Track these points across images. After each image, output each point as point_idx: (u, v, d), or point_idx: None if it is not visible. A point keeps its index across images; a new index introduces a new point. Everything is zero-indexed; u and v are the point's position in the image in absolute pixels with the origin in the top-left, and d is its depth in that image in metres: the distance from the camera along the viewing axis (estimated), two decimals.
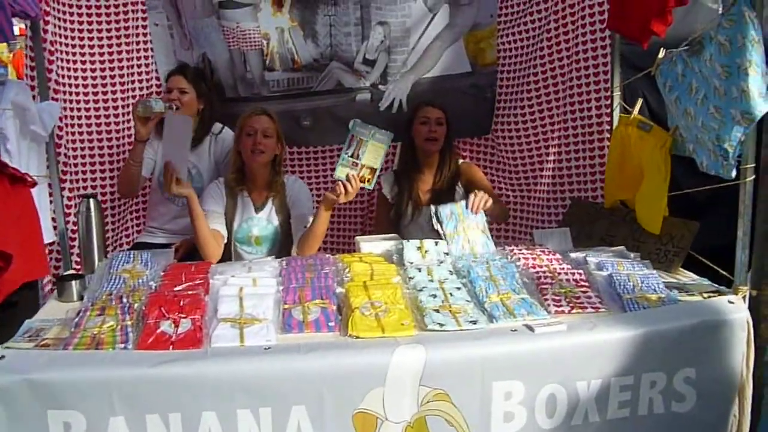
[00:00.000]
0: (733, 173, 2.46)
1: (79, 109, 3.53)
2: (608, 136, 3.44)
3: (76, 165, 3.54)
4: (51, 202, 3.11)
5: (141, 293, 2.44)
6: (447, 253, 2.78)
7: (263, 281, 2.52)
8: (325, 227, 3.08)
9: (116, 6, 3.60)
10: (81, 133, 3.55)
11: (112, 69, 3.63)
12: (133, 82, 3.75)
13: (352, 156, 2.93)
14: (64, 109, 3.33)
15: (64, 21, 3.40)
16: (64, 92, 3.42)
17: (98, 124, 3.61)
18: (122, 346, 2.12)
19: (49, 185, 3.09)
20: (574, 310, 2.36)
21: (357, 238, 3.14)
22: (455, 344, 2.13)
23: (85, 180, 3.60)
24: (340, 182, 2.93)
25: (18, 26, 3.49)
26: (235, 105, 3.88)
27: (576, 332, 2.20)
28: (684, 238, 2.85)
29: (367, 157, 2.93)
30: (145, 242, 3.59)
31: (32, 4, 2.74)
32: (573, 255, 2.85)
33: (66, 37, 3.42)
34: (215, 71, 3.87)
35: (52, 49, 3.25)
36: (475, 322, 2.23)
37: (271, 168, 3.22)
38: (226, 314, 2.26)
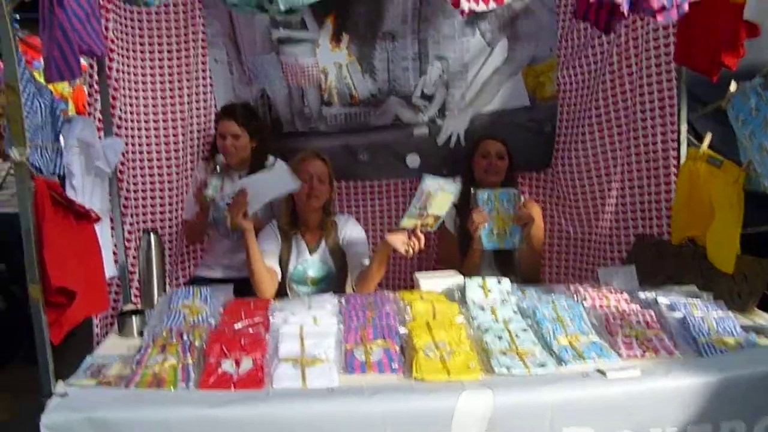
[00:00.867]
0: None
1: (141, 145, 3.57)
2: (674, 171, 3.34)
3: (136, 199, 3.57)
4: (113, 236, 3.15)
5: (201, 330, 2.43)
6: (510, 292, 2.71)
7: (324, 319, 2.48)
8: (382, 273, 3.02)
9: (178, 43, 3.65)
10: (142, 168, 3.59)
11: (173, 105, 3.67)
12: (192, 117, 3.79)
13: (420, 207, 2.86)
14: (126, 144, 3.38)
15: (128, 58, 3.46)
16: (127, 128, 3.47)
17: (159, 159, 3.65)
18: (184, 385, 2.10)
19: (111, 220, 3.12)
20: (646, 354, 2.27)
21: (416, 274, 3.08)
22: (524, 389, 2.06)
23: (145, 214, 3.63)
24: (409, 235, 2.86)
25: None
26: (293, 140, 3.89)
27: (650, 377, 2.12)
28: (759, 278, 2.74)
29: (434, 207, 2.88)
30: (202, 276, 3.60)
31: (98, 42, 2.79)
32: (642, 295, 2.76)
33: (129, 74, 3.48)
34: (273, 106, 3.89)
35: (116, 86, 3.31)
36: (543, 366, 2.16)
37: (323, 209, 3.21)
38: (288, 354, 2.23)
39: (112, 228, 3.17)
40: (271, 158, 3.55)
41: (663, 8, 2.28)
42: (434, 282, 2.92)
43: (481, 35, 3.78)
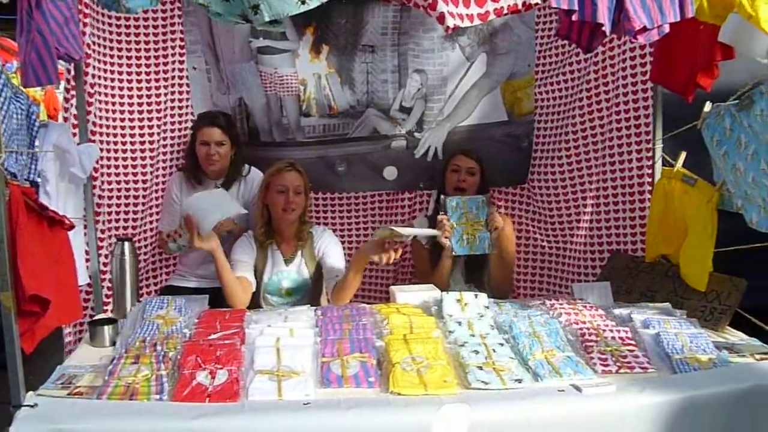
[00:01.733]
0: None
1: (115, 151, 3.53)
2: (649, 188, 3.38)
3: (110, 206, 3.52)
4: (87, 244, 3.11)
5: (175, 341, 2.40)
6: (487, 307, 2.71)
7: (300, 332, 2.46)
8: (359, 281, 3.05)
9: (156, 50, 3.63)
10: (117, 174, 3.55)
11: (149, 111, 3.64)
12: (168, 124, 3.75)
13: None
14: (101, 150, 3.33)
15: (105, 63, 3.43)
16: (101, 133, 3.43)
17: (133, 166, 3.61)
18: (157, 396, 2.07)
19: (85, 226, 3.08)
20: (621, 370, 2.28)
21: (392, 287, 3.08)
22: (501, 404, 2.06)
23: (117, 221, 3.58)
24: (384, 243, 2.86)
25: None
26: (270, 150, 3.88)
27: (625, 394, 2.12)
28: (731, 296, 2.78)
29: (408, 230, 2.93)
30: (176, 286, 3.56)
31: (76, 47, 2.76)
32: (616, 311, 2.78)
33: (105, 79, 3.44)
34: (251, 116, 3.88)
35: (92, 91, 3.27)
36: (520, 381, 2.16)
37: (299, 220, 3.20)
38: (263, 366, 2.20)
39: (85, 234, 3.13)
40: (246, 167, 3.54)
41: (644, 29, 2.32)
42: (410, 295, 2.91)
43: (461, 50, 3.82)
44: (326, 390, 2.13)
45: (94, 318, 2.97)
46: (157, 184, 3.73)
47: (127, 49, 3.55)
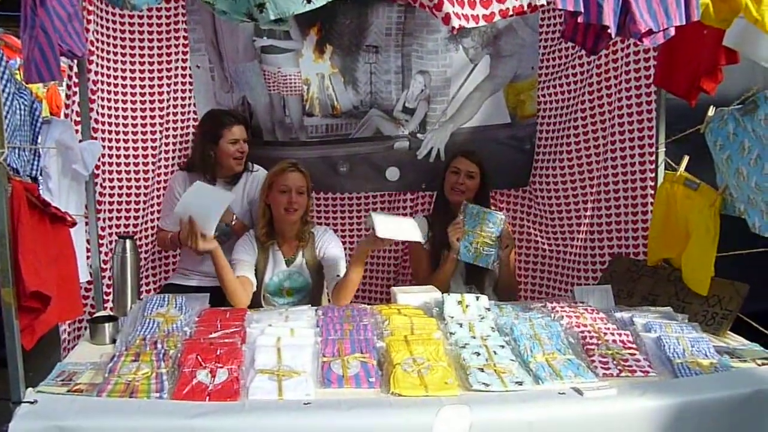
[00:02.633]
0: None
1: (117, 148, 3.53)
2: (652, 192, 3.37)
3: (111, 203, 3.52)
4: (87, 241, 3.10)
5: (176, 339, 2.40)
6: (488, 309, 2.71)
7: (301, 331, 2.46)
8: (360, 277, 3.05)
9: (159, 48, 3.63)
10: (119, 171, 3.54)
11: (152, 109, 3.64)
12: (170, 122, 3.75)
13: None
14: (103, 147, 3.33)
15: (108, 61, 3.43)
16: (104, 131, 3.43)
17: (136, 164, 3.61)
18: (157, 395, 2.07)
19: (86, 223, 3.08)
20: (622, 374, 2.28)
21: (393, 288, 3.08)
22: (501, 406, 2.05)
23: (119, 218, 3.58)
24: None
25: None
26: (273, 149, 3.88)
27: (625, 397, 2.12)
28: (733, 301, 2.77)
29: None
30: (177, 284, 3.55)
31: (79, 44, 2.75)
32: (618, 314, 2.77)
33: (108, 76, 3.44)
34: (254, 115, 3.87)
35: (94, 88, 3.27)
36: (521, 383, 2.16)
37: (301, 220, 3.19)
38: (264, 365, 2.20)
39: (87, 231, 3.12)
40: (250, 165, 3.53)
41: (650, 32, 2.31)
42: (411, 297, 2.91)
43: (464, 51, 3.81)
44: (326, 390, 2.13)
45: (94, 315, 2.96)
46: (158, 182, 3.73)
47: (130, 46, 3.55)
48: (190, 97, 3.82)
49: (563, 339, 2.45)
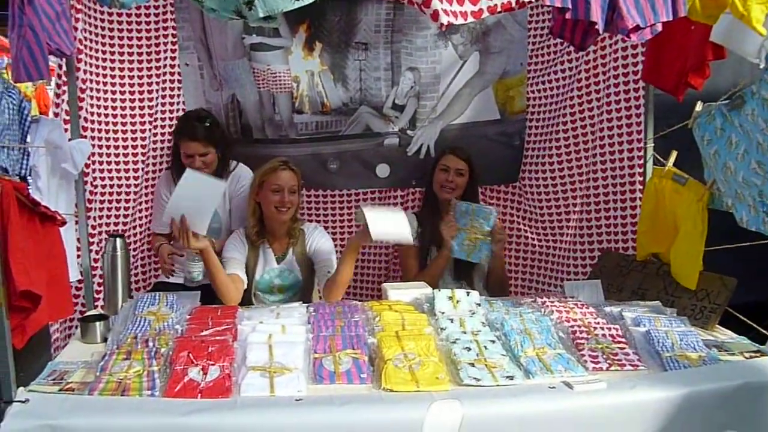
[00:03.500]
0: None
1: (107, 147, 3.52)
2: (640, 187, 3.40)
3: (101, 202, 3.52)
4: (78, 239, 3.09)
5: (167, 337, 2.39)
6: (479, 304, 2.72)
7: (292, 328, 2.46)
8: (351, 273, 3.06)
9: (148, 46, 3.62)
10: (109, 171, 3.54)
11: (141, 108, 3.63)
12: (159, 120, 3.74)
13: None
14: (92, 146, 3.32)
15: (96, 59, 3.41)
16: (93, 129, 3.42)
17: (125, 163, 3.60)
18: (149, 392, 2.06)
19: (76, 222, 3.07)
20: (612, 367, 2.29)
21: (384, 285, 3.08)
22: (492, 401, 2.06)
23: (108, 217, 3.57)
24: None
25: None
26: (263, 147, 3.88)
27: (616, 391, 2.13)
28: (721, 294, 2.79)
29: None
30: (167, 282, 3.55)
31: (67, 42, 2.74)
32: (607, 309, 2.78)
33: (97, 75, 3.43)
34: (244, 112, 3.87)
35: (83, 86, 3.26)
36: (511, 378, 2.17)
37: (291, 218, 3.20)
38: (256, 362, 2.20)
39: (77, 230, 3.12)
40: (233, 163, 3.53)
41: (637, 28, 2.33)
42: (402, 293, 2.91)
43: (454, 48, 3.82)
44: (318, 386, 2.13)
45: (85, 314, 2.95)
46: (147, 180, 3.72)
47: (119, 45, 3.54)
48: (179, 95, 3.80)
49: (553, 334, 2.47)
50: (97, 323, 2.61)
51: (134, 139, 3.64)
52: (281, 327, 2.47)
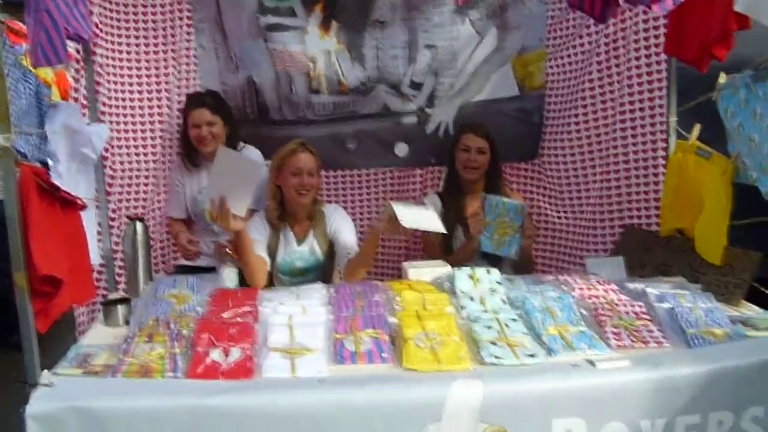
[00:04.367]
0: None
1: (126, 131, 3.54)
2: (663, 162, 3.35)
3: (121, 186, 3.54)
4: (99, 224, 3.11)
5: (188, 319, 2.40)
6: (500, 282, 2.70)
7: (313, 309, 2.46)
8: (373, 257, 3.07)
9: (164, 29, 3.61)
10: (128, 154, 3.55)
11: (158, 91, 3.63)
12: (176, 103, 3.74)
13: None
14: (111, 130, 3.33)
15: (113, 43, 3.42)
16: (111, 113, 3.43)
17: (144, 146, 3.62)
18: (171, 374, 2.07)
19: (97, 206, 3.08)
20: (635, 345, 2.26)
21: (404, 264, 3.07)
22: (514, 379, 2.05)
23: (128, 200, 3.59)
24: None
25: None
26: (280, 128, 3.87)
27: (640, 368, 2.10)
28: (746, 269, 2.74)
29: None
30: (187, 265, 3.57)
31: (85, 27, 2.75)
32: (630, 286, 2.75)
33: (114, 59, 3.44)
34: (261, 93, 3.85)
35: (101, 71, 3.26)
36: (533, 356, 2.15)
37: (311, 200, 3.19)
38: (277, 344, 2.20)
39: (97, 215, 3.14)
40: (240, 144, 3.52)
41: None
42: (422, 272, 2.90)
43: (471, 24, 3.78)
44: (340, 367, 2.13)
45: (107, 298, 2.97)
46: (165, 163, 3.73)
47: (135, 28, 3.54)
48: (195, 78, 3.80)
49: (575, 311, 2.44)
50: (119, 306, 2.62)
51: (152, 123, 3.65)
52: (302, 308, 2.47)
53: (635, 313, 2.45)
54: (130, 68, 3.54)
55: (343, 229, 3.20)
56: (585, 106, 3.71)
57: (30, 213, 2.10)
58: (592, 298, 2.60)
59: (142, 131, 3.61)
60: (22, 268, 2.05)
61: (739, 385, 2.13)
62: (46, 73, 7.13)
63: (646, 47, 3.36)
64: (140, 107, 3.60)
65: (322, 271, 3.25)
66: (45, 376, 2.05)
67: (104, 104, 3.32)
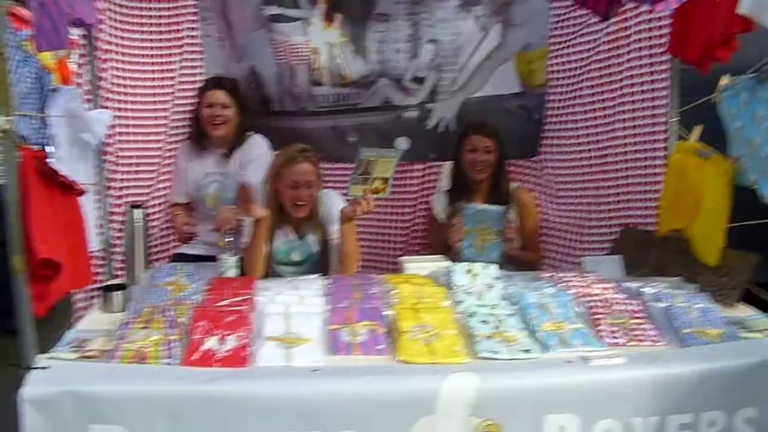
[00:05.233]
0: None
1: (128, 118, 3.52)
2: (662, 162, 3.33)
3: (123, 173, 3.52)
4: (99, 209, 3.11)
5: (185, 307, 2.41)
6: (498, 278, 2.70)
7: (310, 299, 2.47)
8: (353, 244, 3.06)
9: (168, 17, 3.61)
10: (130, 142, 3.54)
11: (162, 79, 3.62)
12: (180, 92, 3.74)
13: (362, 174, 2.91)
14: (113, 117, 3.32)
15: (117, 30, 3.41)
16: (114, 100, 3.42)
17: (146, 134, 3.60)
18: (167, 361, 2.08)
19: (98, 194, 3.08)
20: (630, 343, 2.28)
21: (401, 258, 3.08)
22: (508, 374, 2.06)
23: (129, 188, 3.58)
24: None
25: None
26: (282, 119, 3.87)
27: (633, 366, 2.12)
28: (743, 271, 2.75)
29: (378, 170, 2.93)
30: (186, 253, 3.57)
31: (89, 12, 2.74)
32: (626, 285, 2.76)
33: (118, 46, 3.42)
34: (263, 84, 3.85)
35: (105, 57, 3.26)
36: (528, 351, 2.16)
37: (308, 214, 3.19)
38: (273, 333, 2.21)
39: (98, 201, 3.14)
40: (249, 133, 3.53)
41: None
42: (419, 266, 2.91)
43: (475, 20, 3.77)
44: (335, 357, 2.14)
45: (105, 284, 2.98)
46: (168, 151, 3.72)
47: (139, 16, 3.52)
48: (200, 66, 3.80)
49: (572, 308, 2.45)
50: (117, 293, 2.63)
51: (155, 111, 3.64)
52: (298, 298, 2.48)
53: (631, 312, 2.46)
54: (133, 56, 3.52)
55: (334, 212, 3.17)
56: (583, 105, 3.70)
57: (29, 196, 2.10)
58: (588, 296, 2.60)
59: (145, 119, 3.60)
60: (20, 251, 2.05)
61: (732, 385, 2.14)
62: (48, 59, 7.11)
63: (649, 47, 3.35)
64: (143, 95, 3.58)
65: (318, 262, 3.24)
66: (40, 359, 2.06)
67: (108, 91, 3.32)
